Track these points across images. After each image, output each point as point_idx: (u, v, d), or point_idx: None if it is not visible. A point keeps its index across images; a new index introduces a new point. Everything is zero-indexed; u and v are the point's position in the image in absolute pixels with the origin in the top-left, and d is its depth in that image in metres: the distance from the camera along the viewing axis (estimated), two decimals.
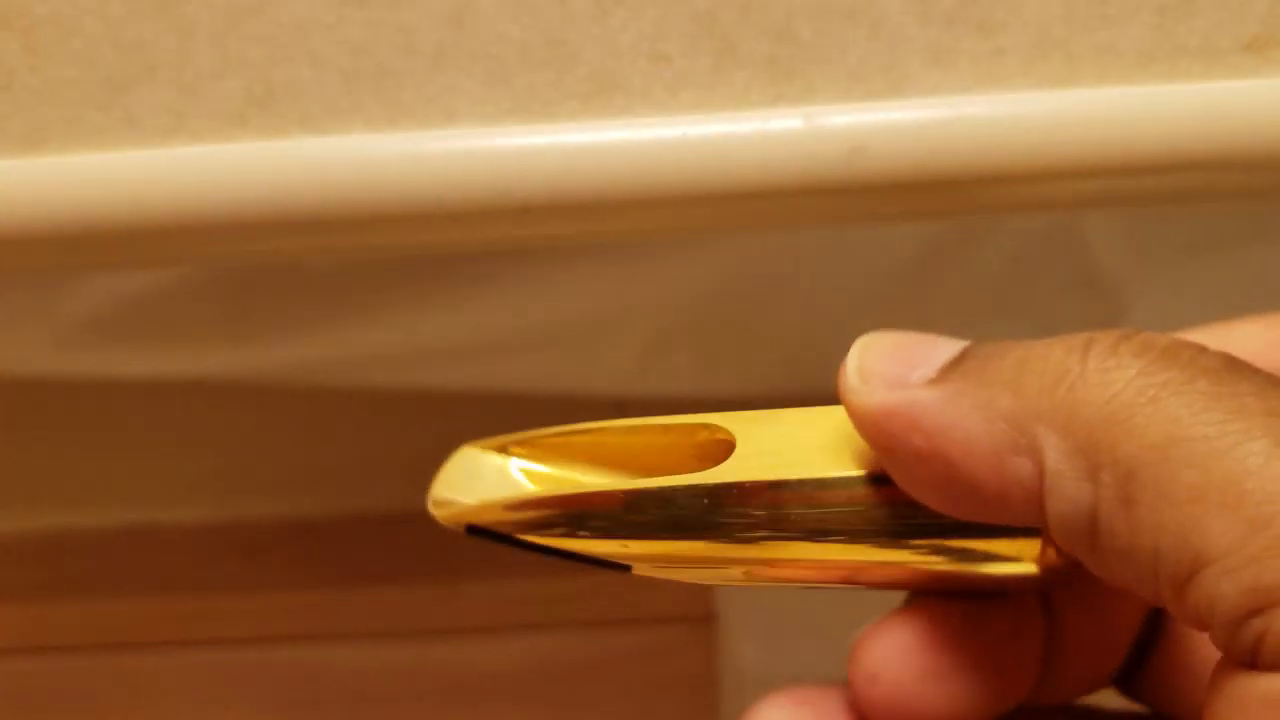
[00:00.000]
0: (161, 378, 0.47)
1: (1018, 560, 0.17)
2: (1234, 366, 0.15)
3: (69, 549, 0.55)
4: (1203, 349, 0.15)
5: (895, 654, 0.18)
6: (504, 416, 0.51)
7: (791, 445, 0.18)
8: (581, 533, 0.18)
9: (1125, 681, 0.20)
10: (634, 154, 0.24)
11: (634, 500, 0.18)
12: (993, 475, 0.15)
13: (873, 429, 0.16)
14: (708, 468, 0.18)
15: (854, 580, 0.18)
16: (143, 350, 0.46)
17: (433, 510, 0.19)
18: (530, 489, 0.19)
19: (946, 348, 0.17)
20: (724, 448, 0.18)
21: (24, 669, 0.52)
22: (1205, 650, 0.17)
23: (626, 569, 0.18)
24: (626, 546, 0.18)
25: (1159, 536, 0.14)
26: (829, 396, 0.17)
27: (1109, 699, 0.20)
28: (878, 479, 0.17)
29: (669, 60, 0.24)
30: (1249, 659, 0.14)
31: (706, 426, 0.18)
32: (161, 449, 0.55)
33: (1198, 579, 0.14)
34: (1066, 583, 0.18)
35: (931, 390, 0.16)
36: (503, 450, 0.20)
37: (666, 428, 0.19)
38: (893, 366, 0.17)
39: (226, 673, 0.52)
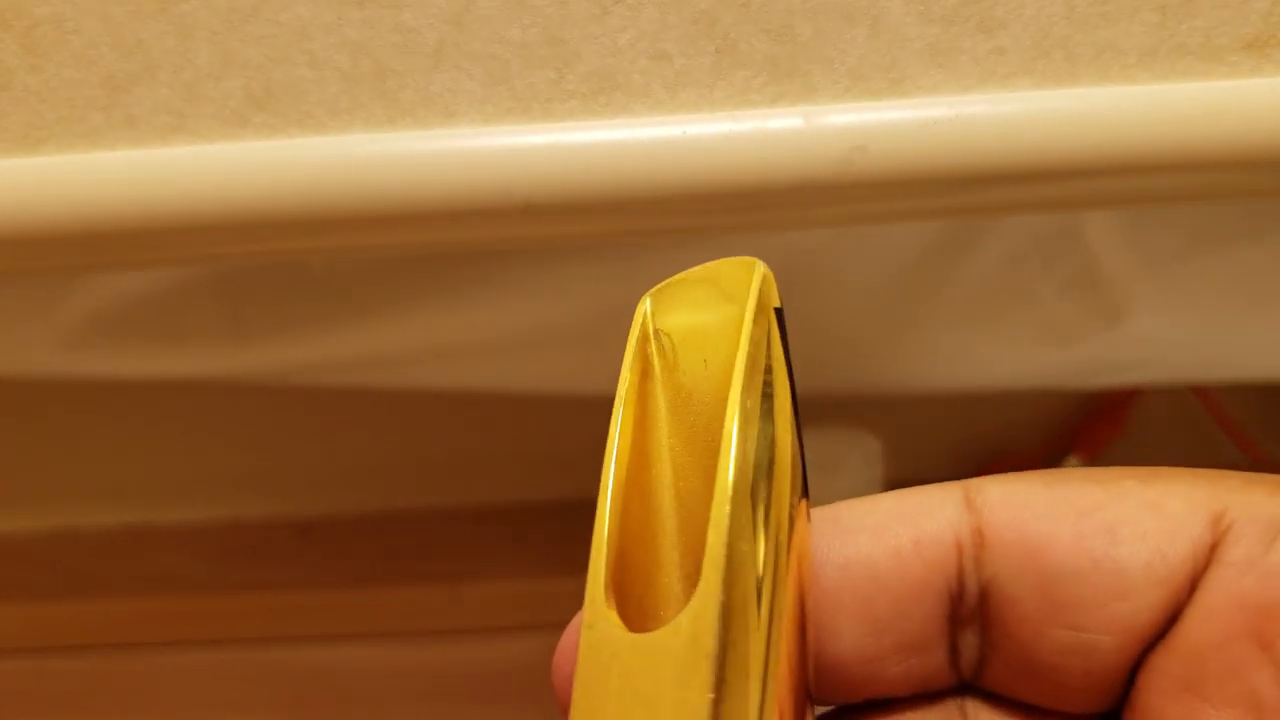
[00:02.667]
0: (161, 378, 0.46)
1: None
2: None
3: (69, 549, 0.55)
4: None
5: None
6: (504, 416, 0.51)
7: None
8: None
9: None
10: (634, 154, 0.24)
11: None
12: None
13: None
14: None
15: None
16: (143, 350, 0.46)
17: None
18: None
19: None
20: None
21: (24, 669, 0.52)
22: None
23: None
24: None
25: None
26: (827, 396, 0.17)
27: None
28: None
29: (669, 59, 0.24)
30: None
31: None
32: (161, 449, 0.55)
33: None
34: None
35: None
36: None
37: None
38: None
39: (226, 673, 0.51)
